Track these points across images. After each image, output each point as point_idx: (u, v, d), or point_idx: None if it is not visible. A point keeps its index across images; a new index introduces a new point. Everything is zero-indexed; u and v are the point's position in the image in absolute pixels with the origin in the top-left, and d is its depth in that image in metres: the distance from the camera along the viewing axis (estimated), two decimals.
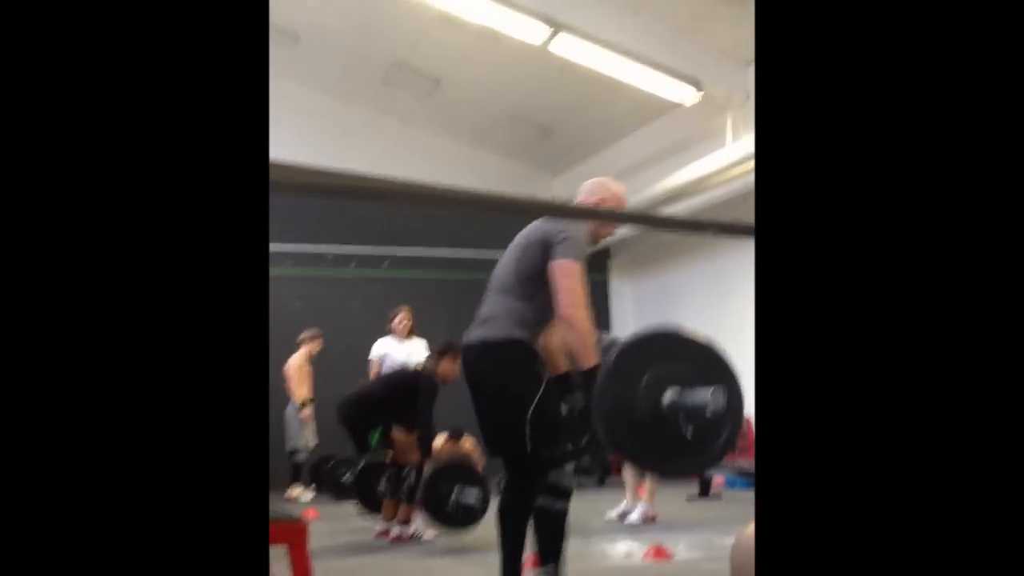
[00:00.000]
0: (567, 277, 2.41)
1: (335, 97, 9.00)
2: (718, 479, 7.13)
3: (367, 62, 8.37)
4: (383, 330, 6.15)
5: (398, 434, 4.64)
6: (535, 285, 2.50)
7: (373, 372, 6.05)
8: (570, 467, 2.54)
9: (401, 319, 6.05)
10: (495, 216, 9.21)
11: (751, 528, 1.02)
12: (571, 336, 2.41)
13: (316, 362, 7.43)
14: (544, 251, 2.48)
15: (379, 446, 4.71)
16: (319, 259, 9.08)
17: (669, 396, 2.08)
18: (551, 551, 2.52)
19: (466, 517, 4.44)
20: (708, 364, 2.18)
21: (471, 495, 4.44)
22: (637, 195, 8.01)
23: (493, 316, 2.56)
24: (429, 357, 4.91)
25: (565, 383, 2.60)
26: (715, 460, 2.19)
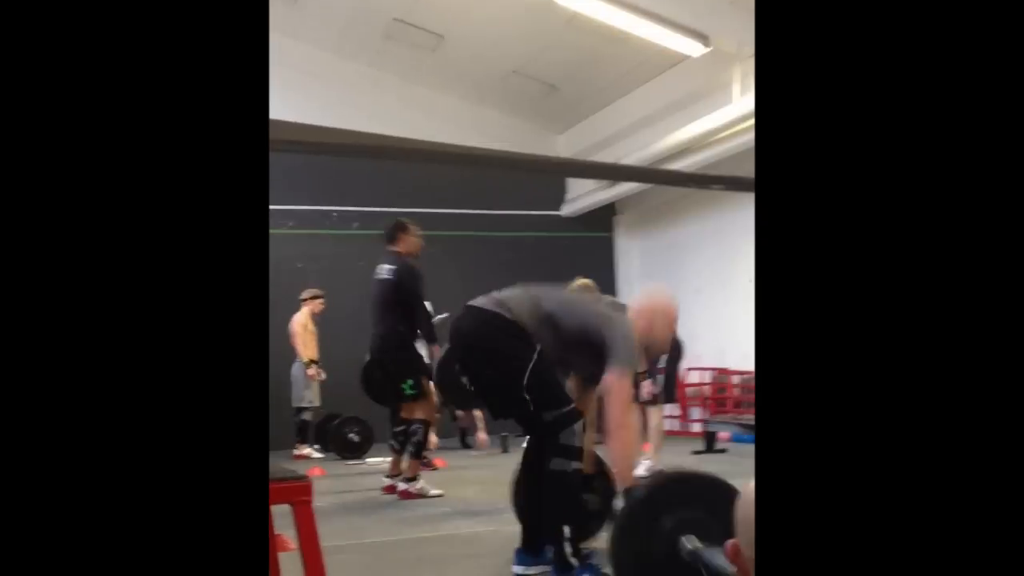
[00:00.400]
0: (620, 391, 2.49)
1: (336, 54, 8.89)
2: (724, 434, 7.17)
3: (368, 17, 8.25)
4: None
5: (426, 383, 4.66)
6: (553, 330, 2.58)
7: None
8: (579, 425, 2.55)
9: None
10: (498, 175, 9.17)
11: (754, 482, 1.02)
12: (615, 448, 2.49)
13: (320, 322, 7.43)
14: (594, 337, 2.54)
15: (414, 395, 4.64)
16: (322, 218, 9.05)
17: (688, 546, 2.17)
18: (571, 512, 2.54)
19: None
20: (721, 502, 2.27)
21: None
22: (643, 151, 7.95)
23: (507, 303, 2.63)
24: (388, 250, 4.81)
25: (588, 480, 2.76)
26: None
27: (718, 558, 2.08)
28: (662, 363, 5.13)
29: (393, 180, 8.98)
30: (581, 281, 5.02)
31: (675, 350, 5.42)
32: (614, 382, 2.48)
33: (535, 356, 2.52)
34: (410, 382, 4.61)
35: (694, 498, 2.24)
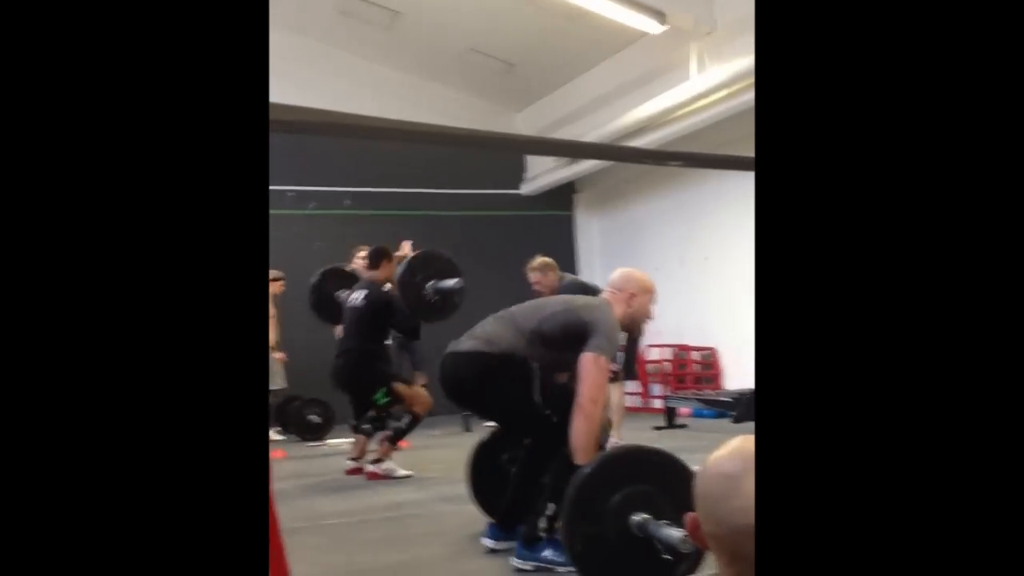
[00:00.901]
0: (596, 371, 2.53)
1: (289, 29, 8.73)
2: (684, 409, 7.25)
3: None
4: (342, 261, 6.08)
5: (400, 387, 4.69)
6: (543, 342, 2.63)
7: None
8: (604, 419, 2.63)
9: (363, 258, 5.99)
10: (457, 154, 9.11)
11: (715, 456, 1.02)
12: (578, 424, 2.49)
13: (279, 303, 7.36)
14: (578, 331, 2.58)
15: (387, 403, 4.68)
16: (278, 198, 8.93)
17: (637, 520, 2.19)
18: (560, 493, 2.57)
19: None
20: (670, 476, 2.27)
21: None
22: (602, 129, 7.96)
23: (488, 338, 2.66)
24: (372, 277, 4.85)
25: None
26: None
27: (668, 532, 2.10)
28: (623, 340, 5.17)
29: (350, 159, 8.88)
30: (541, 259, 5.03)
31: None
32: (589, 363, 2.52)
33: (536, 374, 2.59)
34: (382, 391, 4.62)
35: (643, 474, 2.26)
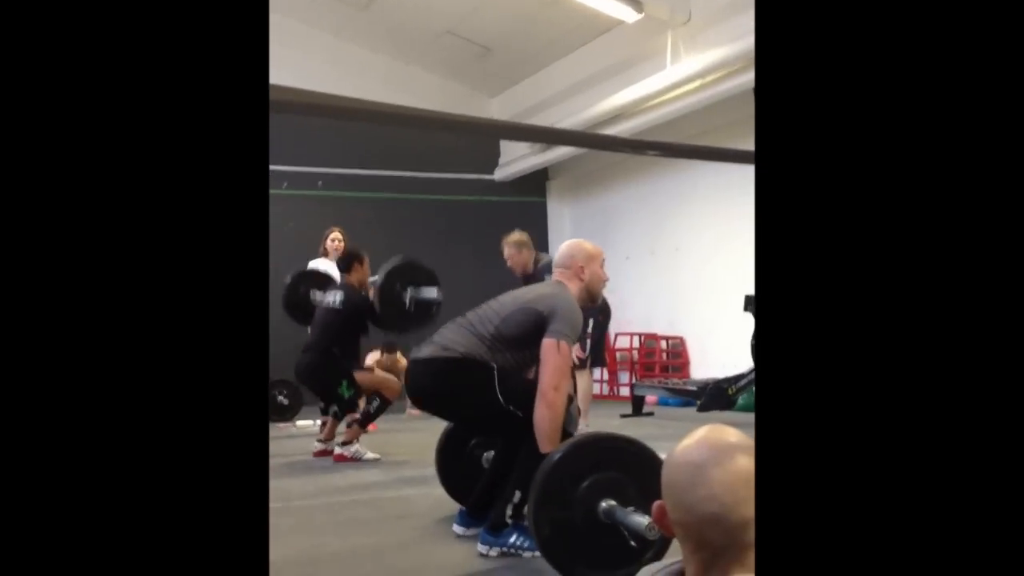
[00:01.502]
0: (557, 357, 2.51)
1: None
2: (651, 397, 7.31)
3: None
4: (317, 251, 6.05)
5: (363, 377, 4.72)
6: (507, 344, 2.60)
7: None
8: (573, 407, 2.61)
9: (334, 239, 5.95)
10: (431, 139, 9.06)
11: (682, 445, 1.03)
12: (541, 412, 2.48)
13: None
14: (537, 322, 2.56)
15: (352, 395, 4.70)
16: None
17: (604, 507, 2.19)
18: (528, 484, 2.57)
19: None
20: (638, 464, 2.27)
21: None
22: (577, 116, 7.96)
23: (448, 344, 2.63)
24: (343, 281, 4.89)
25: None
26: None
27: (635, 518, 2.12)
28: (590, 328, 5.17)
29: (323, 140, 8.81)
30: (517, 235, 4.95)
31: (603, 314, 5.47)
32: (550, 349, 2.51)
33: (495, 373, 2.55)
34: (344, 383, 4.63)
35: (611, 461, 2.27)
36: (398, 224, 9.08)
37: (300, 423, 6.73)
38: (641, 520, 2.10)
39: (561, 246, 2.85)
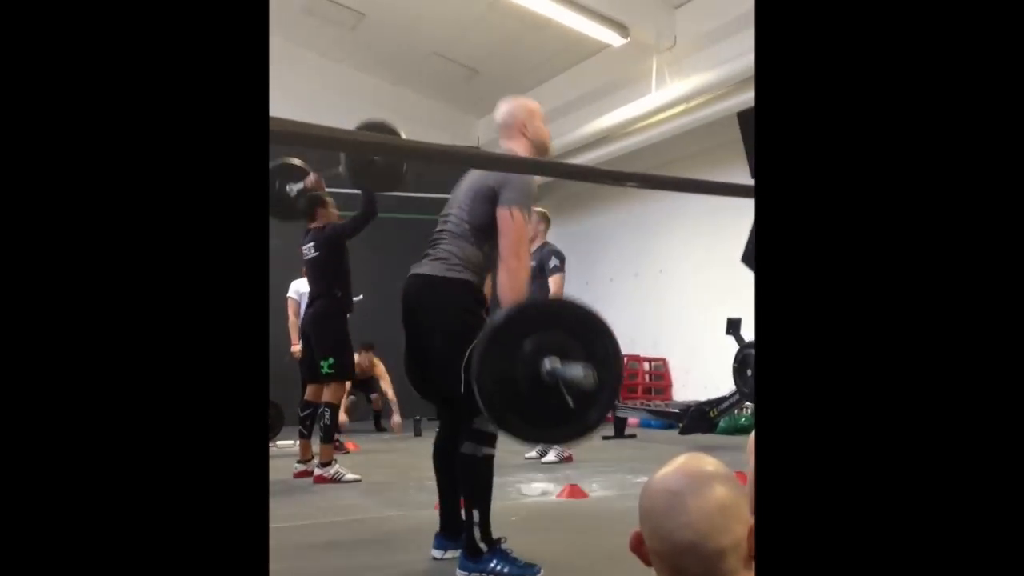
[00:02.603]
0: (515, 225, 2.43)
1: None
2: (633, 419, 7.30)
3: None
4: (299, 269, 6.02)
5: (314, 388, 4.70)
6: (486, 234, 2.50)
7: (291, 310, 5.99)
8: None
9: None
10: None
11: (660, 472, 1.03)
12: (503, 279, 2.41)
13: None
14: (492, 200, 2.46)
15: (328, 376, 4.62)
16: None
17: (547, 365, 2.13)
18: (479, 497, 2.51)
19: None
20: (586, 329, 2.22)
21: None
22: (562, 138, 8.00)
23: (445, 256, 2.53)
24: (314, 227, 4.88)
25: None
26: (593, 427, 2.27)
27: (575, 371, 2.11)
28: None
29: (309, 159, 8.79)
30: (538, 209, 5.19)
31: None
32: (505, 219, 2.43)
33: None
34: (330, 361, 4.56)
35: (555, 322, 2.22)
36: (382, 243, 9.06)
37: (280, 443, 6.67)
38: (578, 369, 2.09)
39: (500, 106, 2.75)
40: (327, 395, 4.62)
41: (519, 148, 2.64)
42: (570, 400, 2.11)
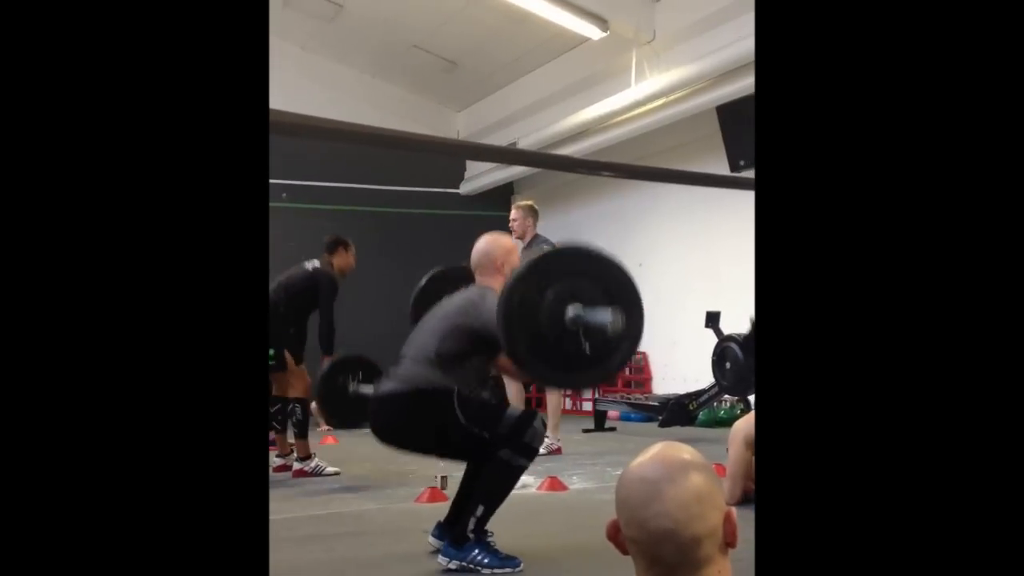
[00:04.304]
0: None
1: None
2: (613, 412, 7.33)
3: None
4: (283, 263, 5.99)
5: (289, 359, 4.61)
6: (455, 362, 2.58)
7: None
8: (538, 421, 2.57)
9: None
10: (398, 152, 9.04)
11: (637, 462, 1.03)
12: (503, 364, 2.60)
13: None
14: (481, 340, 2.54)
15: (270, 366, 4.53)
16: None
17: (572, 311, 2.18)
18: (493, 498, 2.54)
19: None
20: (615, 284, 2.27)
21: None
22: (542, 132, 7.99)
23: (410, 377, 2.61)
24: (323, 256, 4.82)
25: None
26: (608, 376, 2.37)
27: (598, 315, 2.17)
28: None
29: (287, 153, 8.74)
30: (527, 202, 5.20)
31: None
32: (509, 364, 2.54)
33: (455, 397, 2.52)
34: (272, 352, 4.51)
35: (575, 269, 2.28)
36: (362, 237, 9.01)
37: None
38: (605, 315, 2.15)
39: (477, 244, 2.82)
40: (294, 391, 4.61)
41: (496, 284, 2.65)
42: (587, 347, 2.17)
